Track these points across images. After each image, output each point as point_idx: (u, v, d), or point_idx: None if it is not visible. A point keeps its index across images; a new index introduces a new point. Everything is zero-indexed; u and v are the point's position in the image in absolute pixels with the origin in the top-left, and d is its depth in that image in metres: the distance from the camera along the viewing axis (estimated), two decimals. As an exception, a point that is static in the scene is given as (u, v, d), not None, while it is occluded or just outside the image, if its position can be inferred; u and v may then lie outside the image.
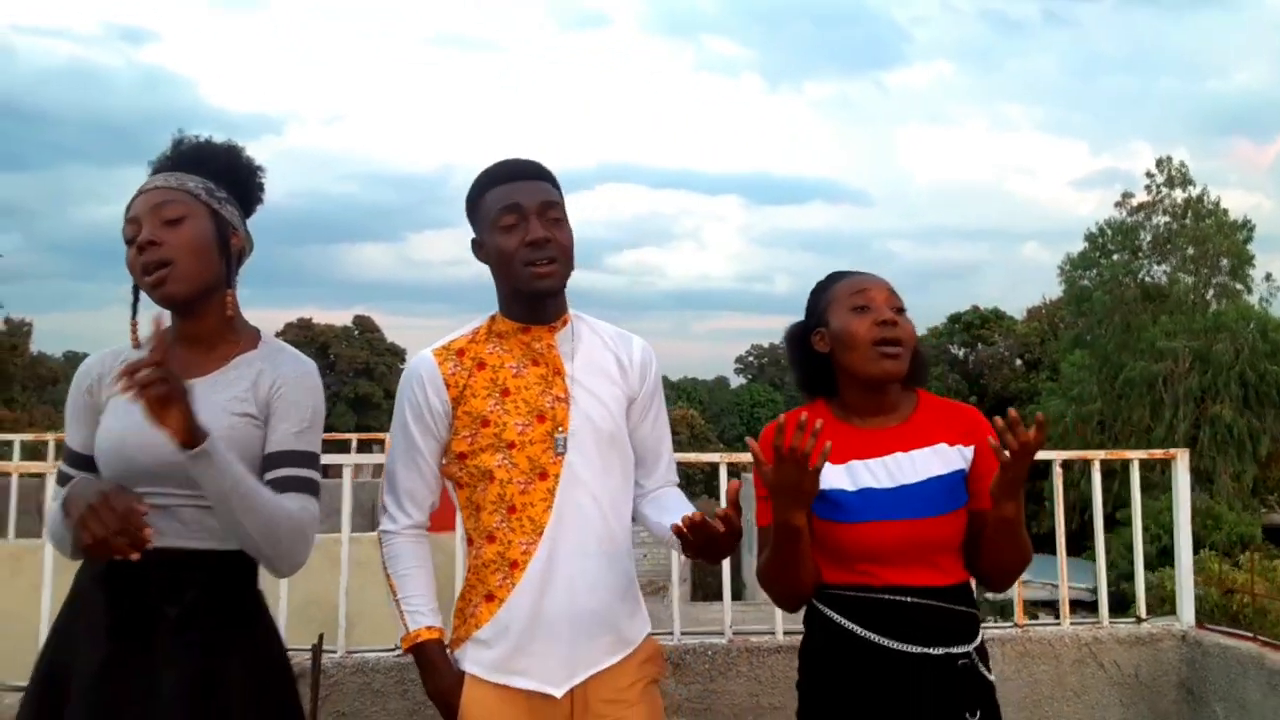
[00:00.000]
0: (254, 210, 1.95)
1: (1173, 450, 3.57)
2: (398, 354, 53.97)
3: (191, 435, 1.58)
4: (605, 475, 1.98)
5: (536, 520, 1.92)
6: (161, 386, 1.53)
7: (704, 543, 1.83)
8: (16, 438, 6.42)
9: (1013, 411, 1.76)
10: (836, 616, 1.94)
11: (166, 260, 1.75)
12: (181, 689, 1.68)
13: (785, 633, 3.18)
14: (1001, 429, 1.75)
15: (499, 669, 1.91)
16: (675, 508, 2.03)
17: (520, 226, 1.92)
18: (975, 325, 44.46)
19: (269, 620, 1.89)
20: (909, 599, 1.90)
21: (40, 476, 6.92)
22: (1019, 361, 42.39)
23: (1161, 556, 8.30)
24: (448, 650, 1.97)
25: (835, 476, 1.93)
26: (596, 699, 1.95)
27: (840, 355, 1.99)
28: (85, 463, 1.83)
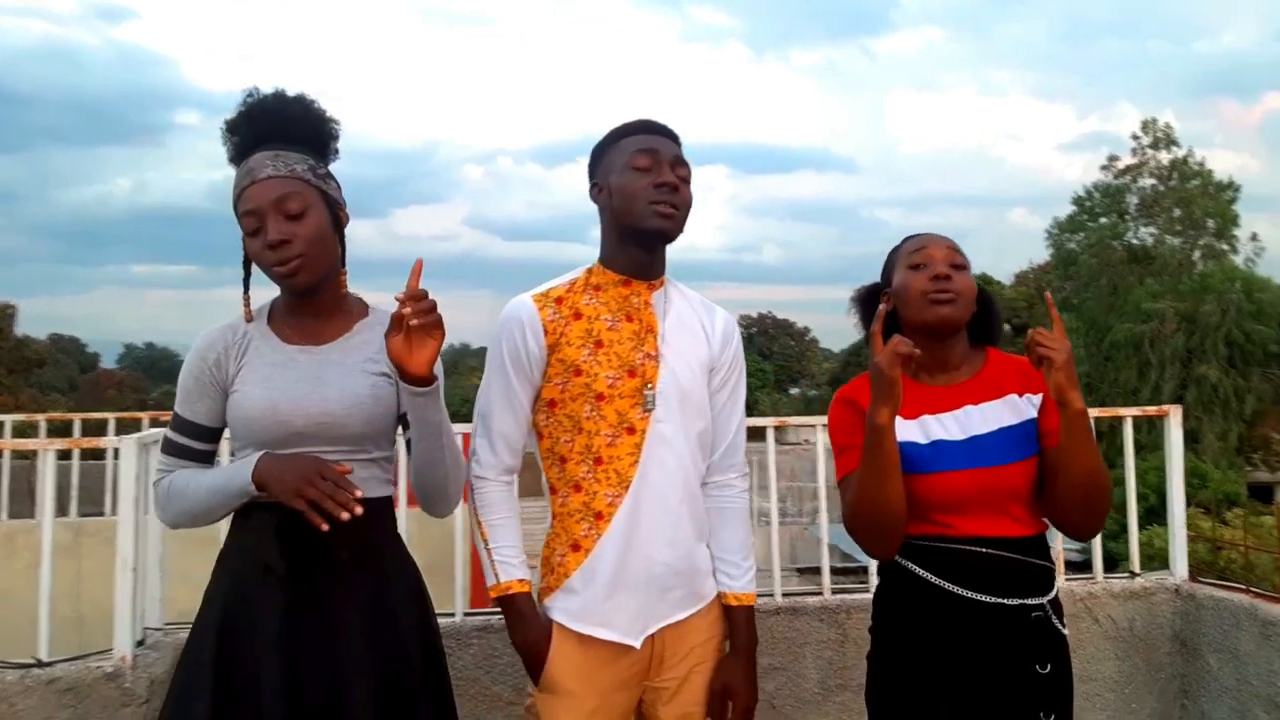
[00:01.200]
0: (331, 161, 2.00)
1: (1166, 406, 3.57)
2: (385, 331, 53.65)
3: (433, 372, 1.77)
4: (687, 435, 2.03)
5: (623, 474, 1.97)
6: (435, 314, 1.72)
7: None
8: (9, 418, 6.39)
9: (1031, 330, 1.86)
10: (912, 566, 1.98)
11: (301, 253, 1.85)
12: (363, 624, 1.86)
13: (784, 594, 3.22)
14: (1028, 342, 1.86)
15: (584, 619, 1.97)
16: (732, 545, 2.12)
17: (653, 170, 1.98)
18: (963, 291, 44.49)
19: (408, 553, 2.04)
20: (985, 549, 1.93)
21: (29, 457, 6.93)
22: (1007, 326, 42.43)
23: (1149, 516, 8.36)
24: (536, 601, 2.03)
25: (908, 430, 1.98)
26: (671, 654, 2.02)
27: (900, 310, 2.04)
28: (205, 433, 1.94)
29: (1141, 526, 3.67)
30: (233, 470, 1.85)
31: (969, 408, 2.00)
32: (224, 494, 1.86)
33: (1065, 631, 1.99)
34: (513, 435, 2.04)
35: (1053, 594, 1.98)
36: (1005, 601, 1.91)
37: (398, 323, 1.71)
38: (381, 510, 1.96)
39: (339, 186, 1.97)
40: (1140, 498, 3.61)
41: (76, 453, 6.10)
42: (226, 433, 1.99)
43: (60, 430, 6.87)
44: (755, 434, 3.40)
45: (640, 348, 2.01)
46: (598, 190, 2.07)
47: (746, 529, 2.15)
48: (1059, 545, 3.45)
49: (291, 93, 1.95)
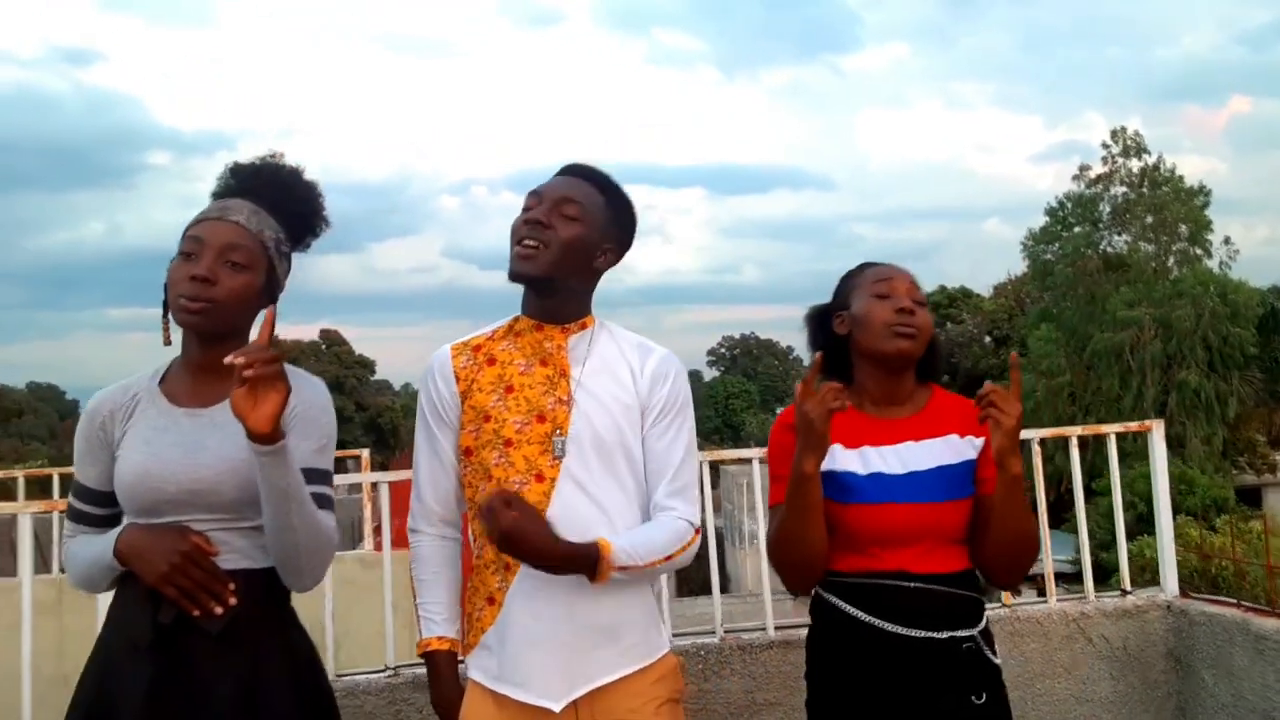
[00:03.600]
0: (299, 249, 2.01)
1: (1148, 422, 3.59)
2: (367, 366, 53.68)
3: (275, 430, 1.66)
4: (608, 482, 1.92)
5: None
6: (274, 366, 1.65)
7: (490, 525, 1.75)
8: (-14, 476, 6.32)
9: (987, 384, 1.89)
10: (841, 604, 1.97)
11: (212, 299, 1.79)
12: (229, 701, 1.75)
13: (777, 628, 3.18)
14: (981, 396, 1.87)
15: (500, 678, 1.89)
16: (635, 531, 1.91)
17: (531, 210, 1.95)
18: (943, 305, 44.65)
19: (302, 630, 1.94)
20: (912, 584, 1.93)
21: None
22: (988, 338, 42.59)
23: (1139, 524, 8.35)
24: (460, 657, 1.98)
25: (847, 460, 1.99)
26: (605, 717, 1.88)
27: (858, 335, 2.06)
28: (99, 498, 1.87)
29: (1131, 536, 3.67)
30: (103, 544, 1.80)
31: (910, 443, 2.01)
32: (99, 567, 1.81)
33: (997, 661, 1.99)
34: (441, 483, 2.01)
35: (982, 625, 1.98)
36: (935, 635, 1.91)
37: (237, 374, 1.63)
38: (260, 582, 1.83)
39: (289, 272, 1.96)
40: (1129, 506, 3.61)
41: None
42: None
43: (41, 482, 6.79)
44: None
45: (552, 392, 1.94)
46: None
47: (659, 532, 1.91)
48: (1049, 563, 3.45)
49: (308, 175, 1.98)
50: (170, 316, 1.87)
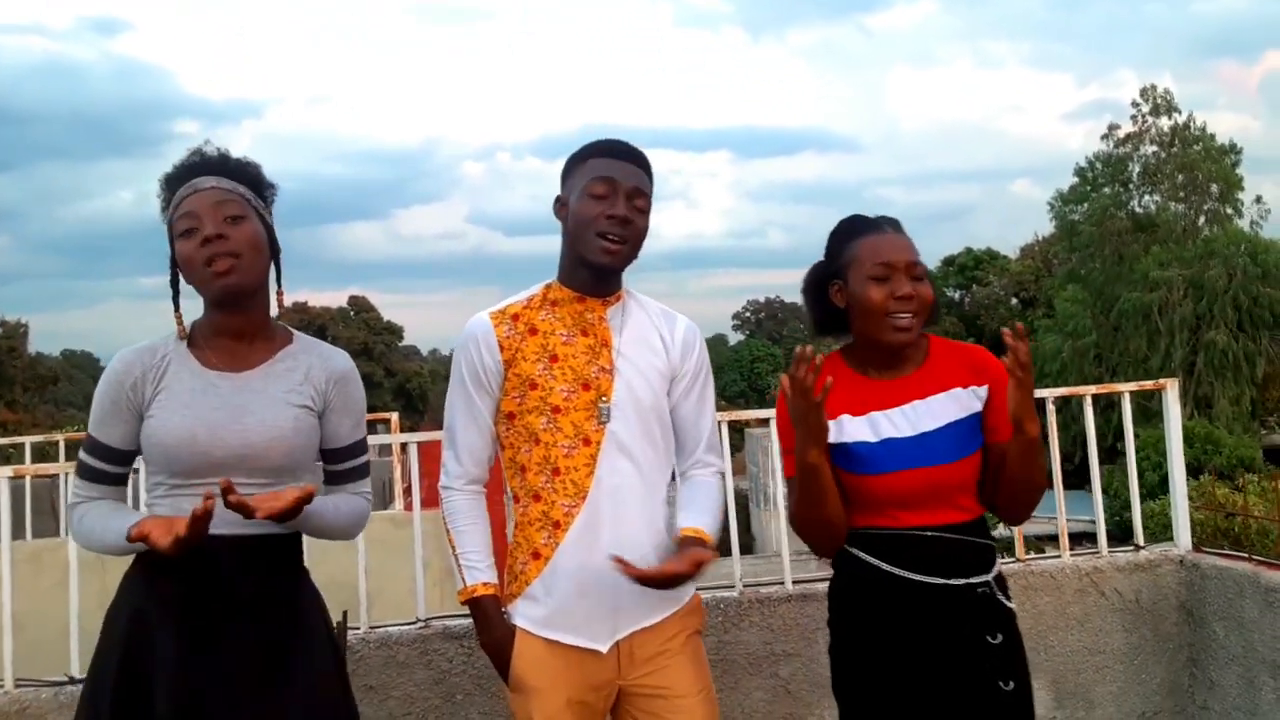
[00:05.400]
0: (266, 199, 2.03)
1: (1163, 380, 3.63)
2: (395, 332, 54.05)
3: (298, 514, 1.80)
4: (645, 444, 2.07)
5: (579, 484, 2.02)
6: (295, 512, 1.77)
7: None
8: (27, 439, 6.48)
9: (1015, 330, 1.84)
10: (862, 554, 2.04)
11: (233, 252, 1.84)
12: (255, 659, 1.83)
13: (794, 582, 3.26)
14: (1011, 345, 1.82)
15: (548, 625, 2.02)
16: (697, 505, 2.13)
17: (608, 200, 2.02)
18: (969, 267, 44.43)
19: (315, 588, 2.05)
20: (930, 533, 2.00)
21: (53, 477, 7.02)
22: (1014, 300, 42.35)
23: (1164, 484, 8.38)
24: (501, 605, 2.08)
25: (857, 429, 2.03)
26: (642, 654, 2.05)
27: (855, 315, 2.05)
28: (116, 457, 1.91)
29: (1155, 495, 3.71)
30: (115, 532, 1.80)
31: (916, 403, 2.04)
32: (113, 549, 1.84)
33: (1011, 605, 2.06)
34: (477, 446, 2.10)
35: (994, 571, 2.05)
36: (951, 581, 1.99)
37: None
38: (283, 547, 1.94)
39: (273, 225, 1.99)
40: (1154, 467, 3.65)
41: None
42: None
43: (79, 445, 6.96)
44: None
45: (595, 361, 2.06)
46: (560, 206, 2.11)
47: (714, 501, 2.16)
48: (1062, 521, 3.51)
49: (235, 154, 1.99)
50: (179, 305, 1.94)
